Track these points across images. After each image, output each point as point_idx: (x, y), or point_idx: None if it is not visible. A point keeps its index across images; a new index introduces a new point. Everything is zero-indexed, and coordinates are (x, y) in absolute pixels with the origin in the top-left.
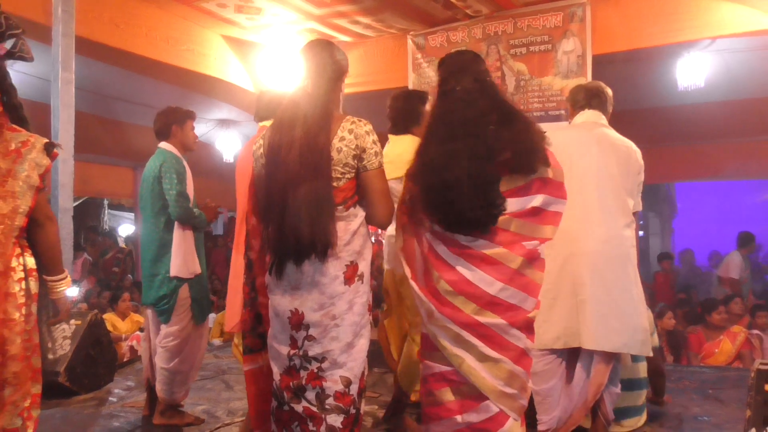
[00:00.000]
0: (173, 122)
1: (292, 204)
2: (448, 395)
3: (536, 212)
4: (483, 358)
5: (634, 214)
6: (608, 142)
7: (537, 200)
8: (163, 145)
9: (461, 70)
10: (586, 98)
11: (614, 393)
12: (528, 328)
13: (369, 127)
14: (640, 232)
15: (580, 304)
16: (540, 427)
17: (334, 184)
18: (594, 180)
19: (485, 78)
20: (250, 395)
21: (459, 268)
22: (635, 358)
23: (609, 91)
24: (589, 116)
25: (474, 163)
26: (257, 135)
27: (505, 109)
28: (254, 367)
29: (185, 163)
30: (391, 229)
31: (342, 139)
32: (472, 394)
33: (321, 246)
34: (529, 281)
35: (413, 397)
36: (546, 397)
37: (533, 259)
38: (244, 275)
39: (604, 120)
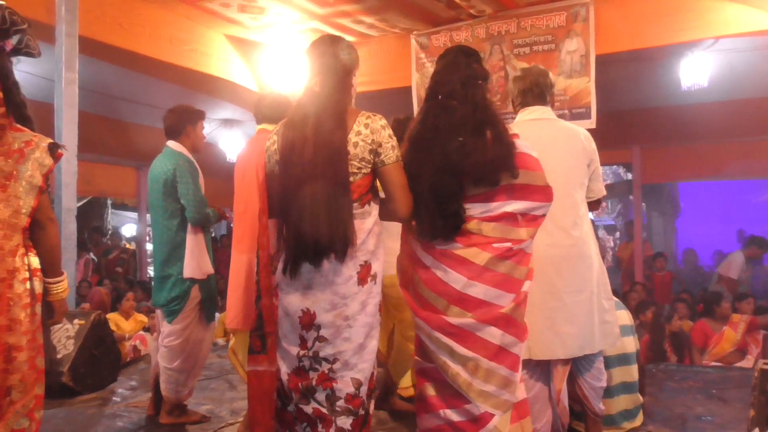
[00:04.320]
0: (187, 122)
1: (310, 201)
2: (430, 390)
3: (511, 217)
4: (460, 359)
5: (598, 201)
6: (549, 139)
7: (512, 206)
8: (173, 145)
9: (451, 72)
10: (520, 96)
11: (598, 388)
12: (506, 323)
13: (384, 121)
14: (643, 233)
15: (528, 314)
16: None
17: (351, 179)
18: None
19: (475, 81)
20: (250, 396)
21: (433, 269)
22: (628, 360)
23: (543, 78)
24: (530, 113)
25: (437, 176)
26: (255, 136)
27: (482, 118)
28: (256, 368)
29: (197, 165)
30: None
31: (358, 133)
32: (453, 393)
33: (340, 244)
34: (505, 277)
35: (405, 393)
36: (533, 405)
37: (509, 257)
38: (257, 273)
39: (547, 113)
